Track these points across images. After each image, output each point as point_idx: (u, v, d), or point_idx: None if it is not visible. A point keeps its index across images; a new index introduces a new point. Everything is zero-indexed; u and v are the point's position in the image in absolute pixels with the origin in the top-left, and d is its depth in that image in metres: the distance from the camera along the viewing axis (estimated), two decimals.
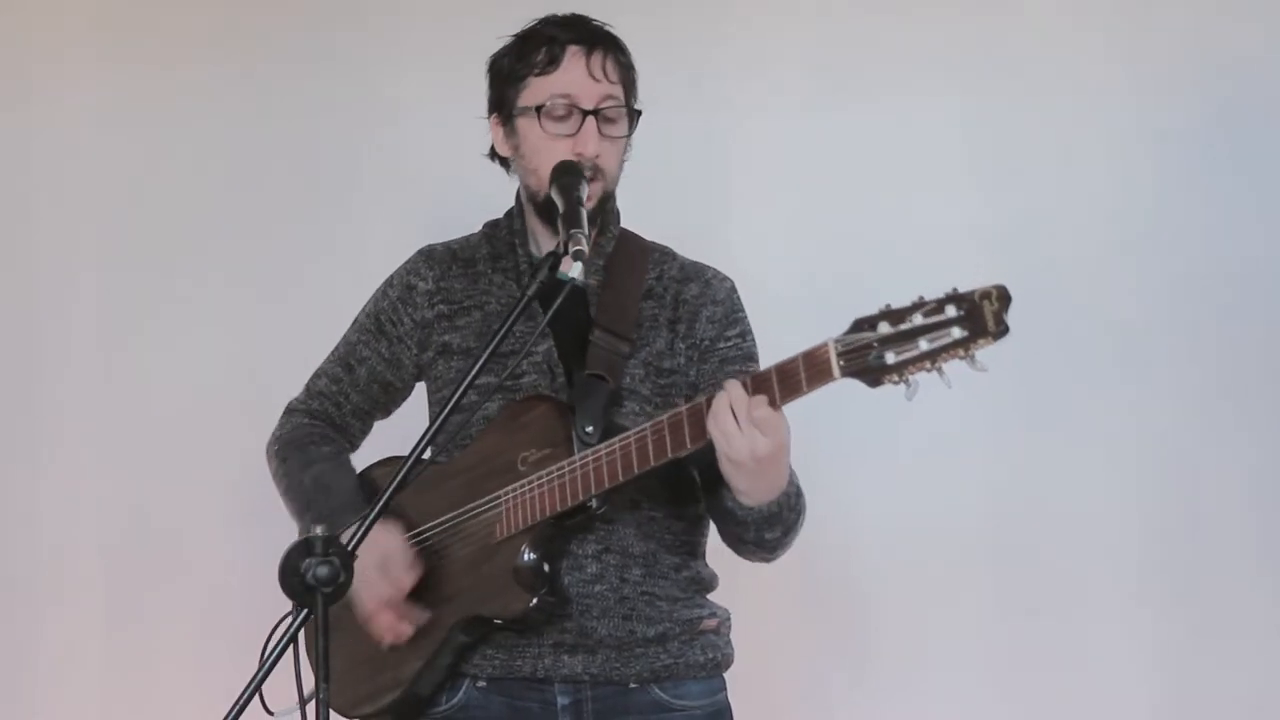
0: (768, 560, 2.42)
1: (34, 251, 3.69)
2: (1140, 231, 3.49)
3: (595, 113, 2.41)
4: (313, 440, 2.58)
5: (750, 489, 2.23)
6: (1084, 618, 3.43)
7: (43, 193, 3.69)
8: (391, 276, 2.60)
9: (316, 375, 2.64)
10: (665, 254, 2.56)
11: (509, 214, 2.57)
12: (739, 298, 2.54)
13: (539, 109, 2.42)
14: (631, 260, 2.50)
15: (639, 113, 2.48)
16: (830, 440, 3.37)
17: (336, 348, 2.63)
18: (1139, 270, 3.49)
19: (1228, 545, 3.43)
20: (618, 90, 2.45)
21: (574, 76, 2.43)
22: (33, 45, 3.71)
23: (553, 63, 2.43)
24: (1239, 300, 3.46)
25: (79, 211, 3.69)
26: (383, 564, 2.37)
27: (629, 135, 2.48)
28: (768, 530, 2.31)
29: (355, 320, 2.62)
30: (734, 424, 2.14)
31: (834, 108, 3.56)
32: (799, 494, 2.34)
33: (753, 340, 2.51)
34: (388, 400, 2.62)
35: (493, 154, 2.54)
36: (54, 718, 3.59)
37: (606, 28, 2.49)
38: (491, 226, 2.59)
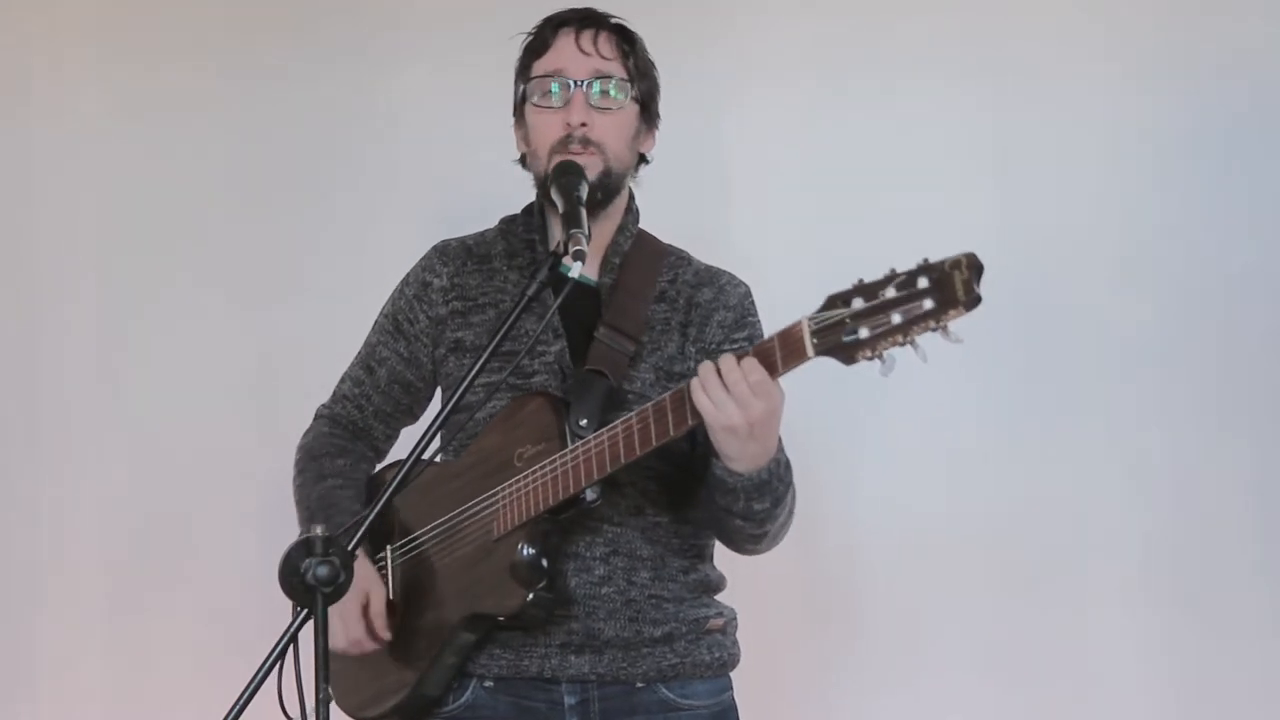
0: (757, 545, 2.39)
1: (34, 251, 3.69)
2: (1144, 233, 3.49)
3: (583, 84, 2.42)
4: (328, 453, 2.58)
5: (741, 454, 2.20)
6: (1088, 618, 3.43)
7: (43, 193, 3.69)
8: (408, 275, 2.60)
9: (341, 379, 2.65)
10: (681, 258, 2.55)
11: (527, 210, 2.57)
12: (753, 303, 2.53)
13: (531, 86, 2.46)
14: (646, 262, 2.50)
15: (649, 90, 2.49)
16: (832, 441, 3.38)
17: (359, 350, 2.63)
18: (1143, 270, 3.49)
19: (1228, 544, 3.43)
20: (612, 66, 2.46)
21: (562, 52, 2.46)
22: (33, 45, 3.70)
23: (545, 45, 2.48)
24: (1243, 301, 3.46)
25: (79, 211, 3.68)
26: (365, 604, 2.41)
27: (639, 116, 2.49)
28: (757, 500, 2.28)
29: (375, 321, 2.62)
30: (723, 392, 2.13)
31: (835, 107, 3.56)
32: (788, 465, 2.32)
33: None
34: (411, 401, 2.62)
35: (522, 160, 2.54)
36: (55, 718, 3.58)
37: (611, 17, 2.50)
38: (508, 222, 2.59)
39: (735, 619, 2.50)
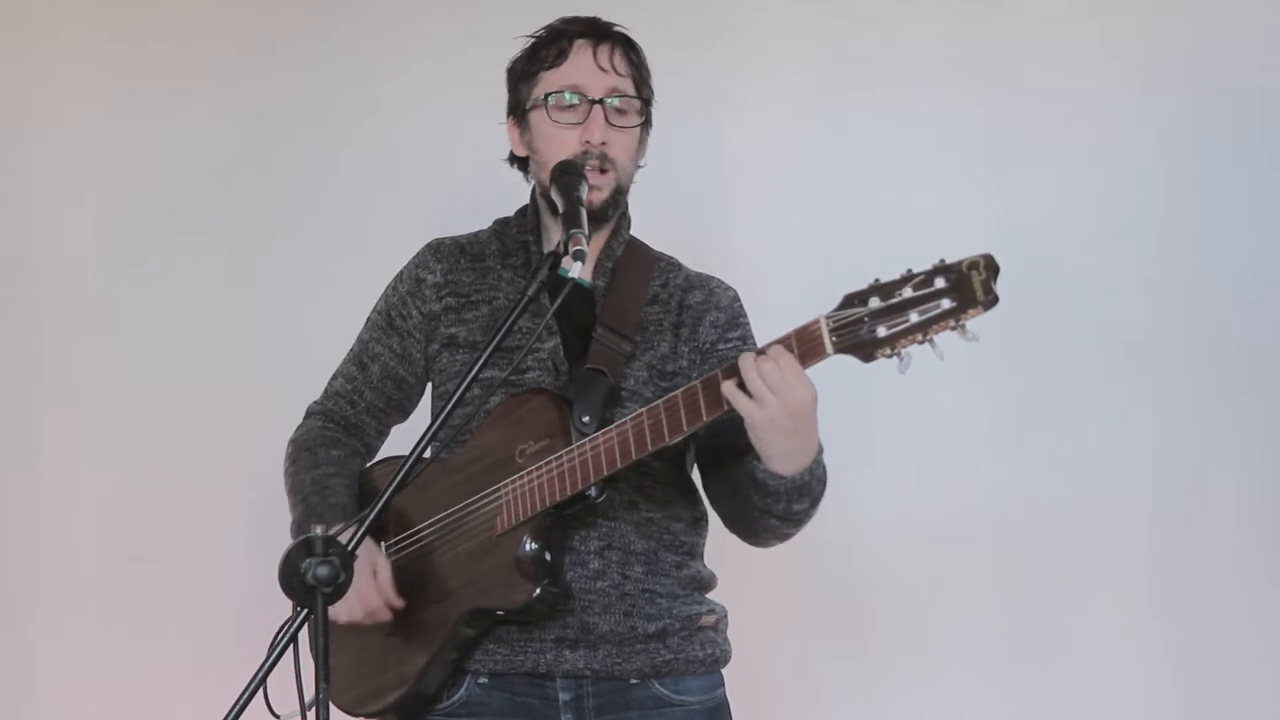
0: (782, 541, 2.40)
1: (34, 249, 3.69)
2: (1144, 233, 3.49)
3: (603, 102, 2.44)
4: (322, 443, 2.59)
5: (785, 450, 2.21)
6: (1087, 615, 3.43)
7: (43, 191, 3.69)
8: (401, 271, 2.61)
9: (333, 376, 2.66)
10: (671, 264, 2.59)
11: (522, 212, 2.59)
12: (742, 306, 2.58)
13: (548, 99, 2.47)
14: (638, 266, 2.53)
15: (649, 104, 2.51)
16: (832, 436, 3.37)
17: (352, 347, 2.65)
18: (1143, 270, 3.49)
19: (1230, 542, 3.44)
20: (626, 84, 2.49)
21: (581, 67, 2.47)
22: (33, 44, 3.71)
23: (561, 55, 2.49)
24: (1244, 301, 3.46)
25: (79, 209, 3.69)
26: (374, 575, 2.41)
27: (641, 129, 2.51)
28: (797, 501, 2.29)
29: (368, 318, 2.63)
30: (764, 386, 2.14)
31: (834, 107, 3.57)
32: (823, 464, 2.32)
33: (754, 345, 2.50)
34: (403, 397, 2.62)
35: (512, 158, 2.57)
36: (55, 718, 3.59)
37: (617, 27, 2.52)
38: (501, 223, 2.61)
39: (726, 617, 2.52)
